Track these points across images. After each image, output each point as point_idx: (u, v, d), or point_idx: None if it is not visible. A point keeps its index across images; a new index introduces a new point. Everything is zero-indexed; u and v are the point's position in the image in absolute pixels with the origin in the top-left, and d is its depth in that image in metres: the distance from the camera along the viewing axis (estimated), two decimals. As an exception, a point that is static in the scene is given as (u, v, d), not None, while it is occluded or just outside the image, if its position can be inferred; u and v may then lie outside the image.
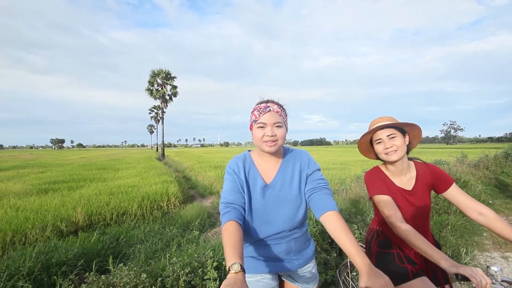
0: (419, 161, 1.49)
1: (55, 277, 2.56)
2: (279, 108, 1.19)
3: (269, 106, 1.16)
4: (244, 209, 1.18)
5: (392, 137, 1.34)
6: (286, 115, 1.22)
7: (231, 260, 0.88)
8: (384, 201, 1.31)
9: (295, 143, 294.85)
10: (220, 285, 2.19)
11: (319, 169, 1.27)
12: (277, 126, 1.16)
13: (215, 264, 2.12)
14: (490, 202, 5.75)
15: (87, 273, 2.06)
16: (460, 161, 9.21)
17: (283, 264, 1.23)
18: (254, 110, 1.19)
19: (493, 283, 0.98)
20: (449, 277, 1.34)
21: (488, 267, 1.04)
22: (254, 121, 1.18)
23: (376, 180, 1.39)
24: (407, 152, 1.43)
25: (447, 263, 1.04)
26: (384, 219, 1.38)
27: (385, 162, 1.44)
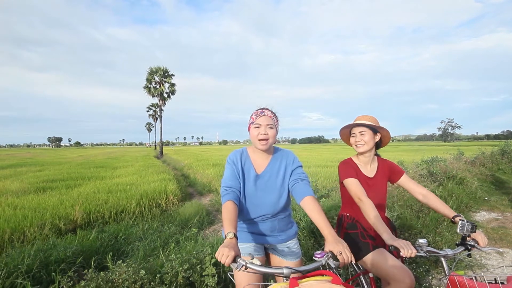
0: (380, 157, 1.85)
1: (54, 274, 2.58)
2: (272, 114, 1.50)
3: (264, 112, 1.48)
4: (240, 192, 1.47)
5: (363, 134, 1.69)
6: (277, 120, 1.54)
7: (227, 229, 1.17)
8: (353, 183, 1.62)
9: (293, 141, 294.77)
10: (218, 281, 2.23)
11: (301, 166, 1.56)
12: (269, 127, 1.46)
13: (213, 260, 2.14)
14: (486, 198, 5.81)
15: (86, 270, 2.07)
16: (457, 158, 9.28)
17: (268, 238, 1.54)
18: (252, 114, 1.51)
19: (418, 252, 1.25)
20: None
21: (416, 239, 1.29)
22: (251, 122, 1.49)
23: (348, 168, 1.71)
24: (377, 149, 1.78)
25: (386, 236, 1.34)
26: (351, 203, 1.69)
27: (357, 153, 1.78)
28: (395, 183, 1.77)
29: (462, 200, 5.08)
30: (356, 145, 1.71)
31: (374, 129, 1.70)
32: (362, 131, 1.68)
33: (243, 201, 1.49)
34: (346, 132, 1.82)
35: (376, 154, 1.83)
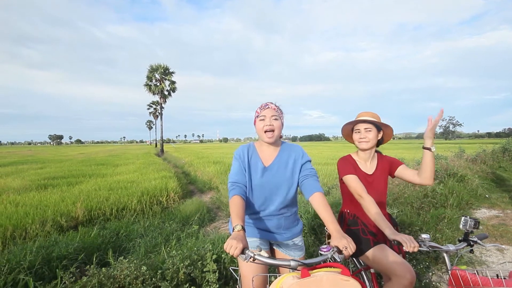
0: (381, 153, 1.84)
1: (56, 270, 2.59)
2: (276, 107, 1.53)
3: (268, 105, 1.52)
4: (246, 187, 1.49)
5: (368, 131, 1.67)
6: (282, 113, 1.56)
7: (235, 222, 1.21)
8: (353, 179, 1.62)
9: (294, 139, 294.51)
10: (219, 277, 2.24)
11: (310, 161, 1.57)
12: (274, 119, 1.49)
13: (214, 256, 2.15)
14: (487, 196, 5.80)
15: (88, 266, 2.07)
16: (458, 156, 9.26)
17: (274, 235, 1.55)
18: (257, 109, 1.54)
19: (421, 247, 1.25)
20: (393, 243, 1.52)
21: (419, 235, 1.29)
22: (257, 116, 1.52)
23: (347, 164, 1.71)
24: (377, 146, 1.76)
25: (389, 231, 1.35)
26: (351, 199, 1.69)
27: (357, 150, 1.77)
28: (394, 175, 1.75)
29: (463, 198, 5.07)
30: (359, 142, 1.69)
31: (379, 127, 1.69)
32: (367, 128, 1.66)
33: (249, 195, 1.51)
34: (348, 129, 1.79)
35: (377, 151, 1.81)
